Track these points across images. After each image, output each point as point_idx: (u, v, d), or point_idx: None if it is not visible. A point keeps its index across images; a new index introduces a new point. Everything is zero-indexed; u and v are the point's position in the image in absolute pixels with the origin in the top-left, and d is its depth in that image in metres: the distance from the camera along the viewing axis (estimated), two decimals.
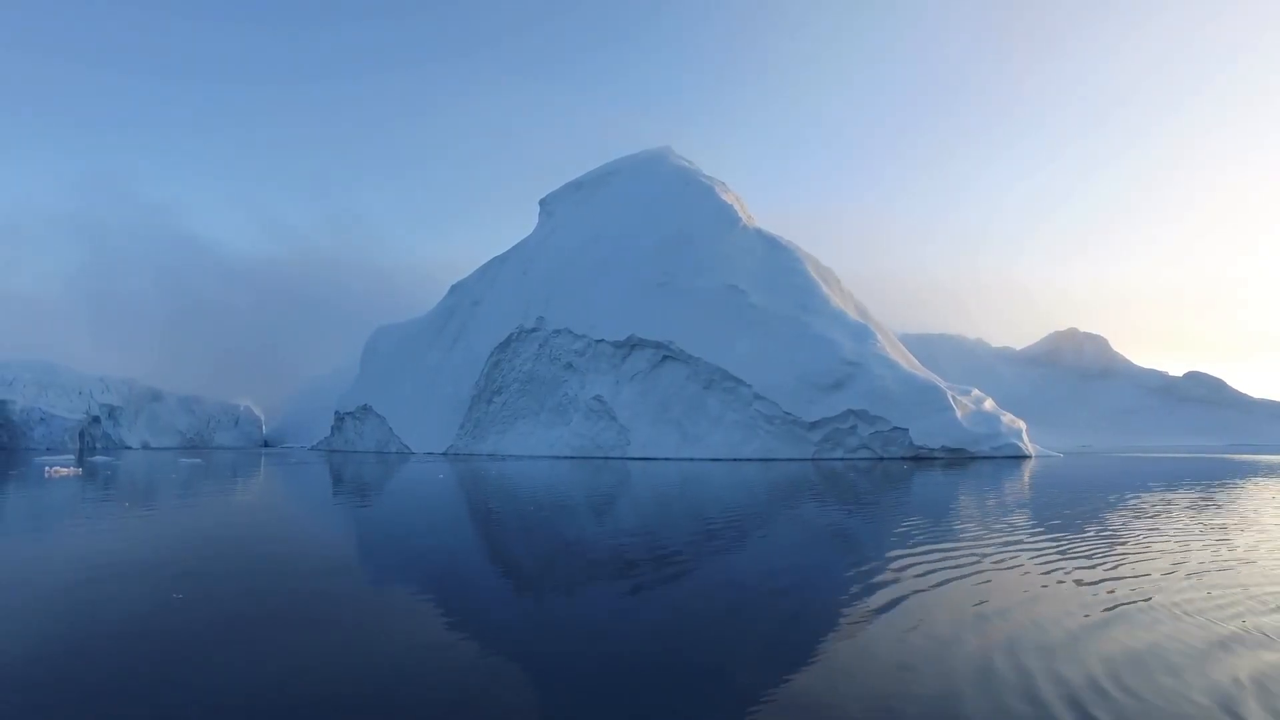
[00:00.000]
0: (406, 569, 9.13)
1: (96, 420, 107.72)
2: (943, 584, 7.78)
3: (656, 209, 62.11)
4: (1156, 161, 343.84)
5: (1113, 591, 7.43)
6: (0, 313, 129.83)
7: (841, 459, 44.94)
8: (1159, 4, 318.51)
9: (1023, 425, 49.88)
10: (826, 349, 47.76)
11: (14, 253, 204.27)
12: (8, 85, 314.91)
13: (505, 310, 65.98)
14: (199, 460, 48.53)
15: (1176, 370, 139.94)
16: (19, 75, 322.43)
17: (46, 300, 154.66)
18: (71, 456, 53.28)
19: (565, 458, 51.88)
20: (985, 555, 9.57)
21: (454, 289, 78.32)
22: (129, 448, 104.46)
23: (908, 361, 53.45)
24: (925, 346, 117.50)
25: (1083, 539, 11.15)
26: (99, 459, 50.59)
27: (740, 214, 60.47)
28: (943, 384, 48.50)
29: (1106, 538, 11.29)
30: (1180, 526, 12.69)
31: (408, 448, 71.75)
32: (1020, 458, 45.17)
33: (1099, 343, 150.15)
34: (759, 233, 59.09)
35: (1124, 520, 13.59)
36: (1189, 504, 16.80)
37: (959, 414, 46.14)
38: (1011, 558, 9.42)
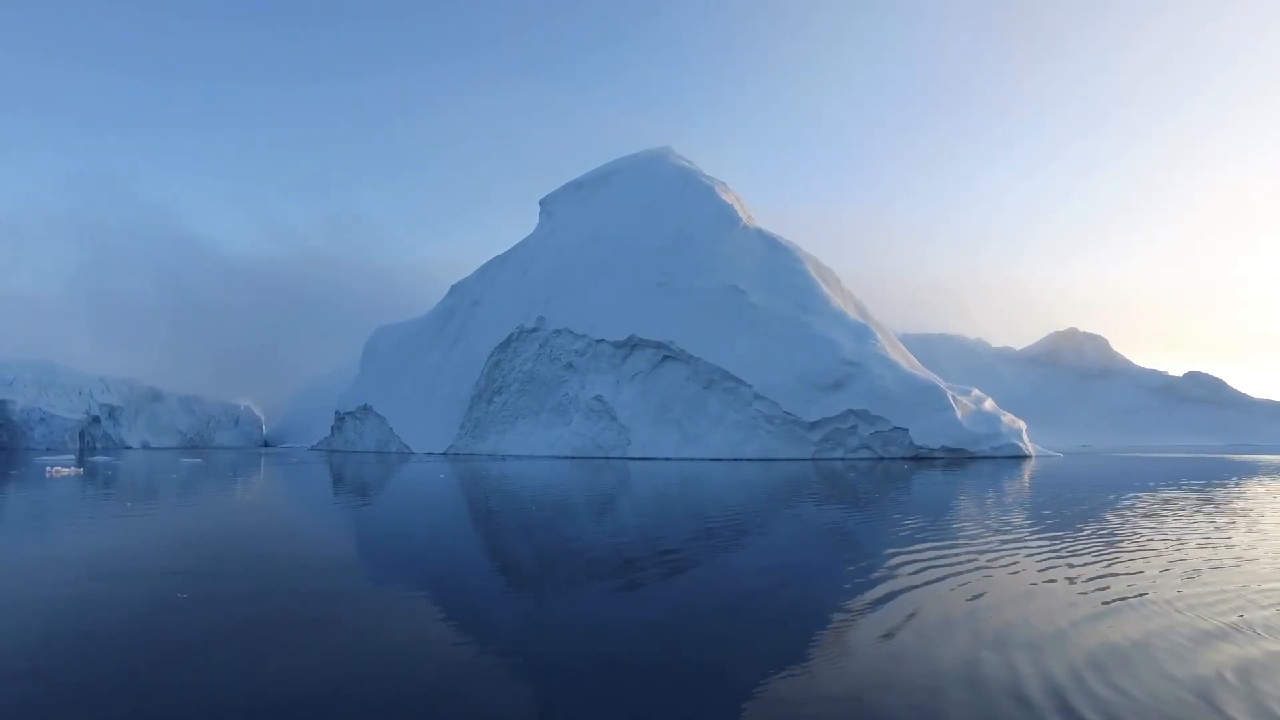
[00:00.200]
0: (407, 569, 9.18)
1: (96, 420, 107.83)
2: (939, 581, 7.82)
3: (657, 209, 62.15)
4: (1156, 161, 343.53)
5: (1107, 589, 7.47)
6: (0, 313, 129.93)
7: (842, 459, 44.98)
8: (1159, 4, 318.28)
9: (1023, 425, 49.91)
10: (827, 349, 47.80)
11: (14, 253, 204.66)
12: (8, 85, 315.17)
13: (505, 310, 66.02)
14: (199, 460, 48.57)
15: (1176, 370, 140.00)
16: (19, 75, 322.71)
17: (46, 300, 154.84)
18: (72, 456, 53.33)
19: (565, 458, 51.91)
20: (983, 554, 9.61)
21: (454, 289, 78.38)
22: (129, 448, 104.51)
23: (908, 361, 53.48)
24: (925, 346, 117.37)
25: (1080, 538, 11.19)
26: (99, 459, 50.64)
27: (740, 214, 60.48)
28: (943, 384, 48.54)
29: (1104, 537, 11.32)
30: (1178, 526, 12.72)
31: (408, 448, 71.79)
32: (1020, 458, 45.20)
33: (1099, 343, 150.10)
34: (759, 233, 59.10)
35: (1122, 519, 13.62)
36: (1188, 504, 16.84)
37: (959, 414, 46.18)
38: (1009, 557, 9.46)
